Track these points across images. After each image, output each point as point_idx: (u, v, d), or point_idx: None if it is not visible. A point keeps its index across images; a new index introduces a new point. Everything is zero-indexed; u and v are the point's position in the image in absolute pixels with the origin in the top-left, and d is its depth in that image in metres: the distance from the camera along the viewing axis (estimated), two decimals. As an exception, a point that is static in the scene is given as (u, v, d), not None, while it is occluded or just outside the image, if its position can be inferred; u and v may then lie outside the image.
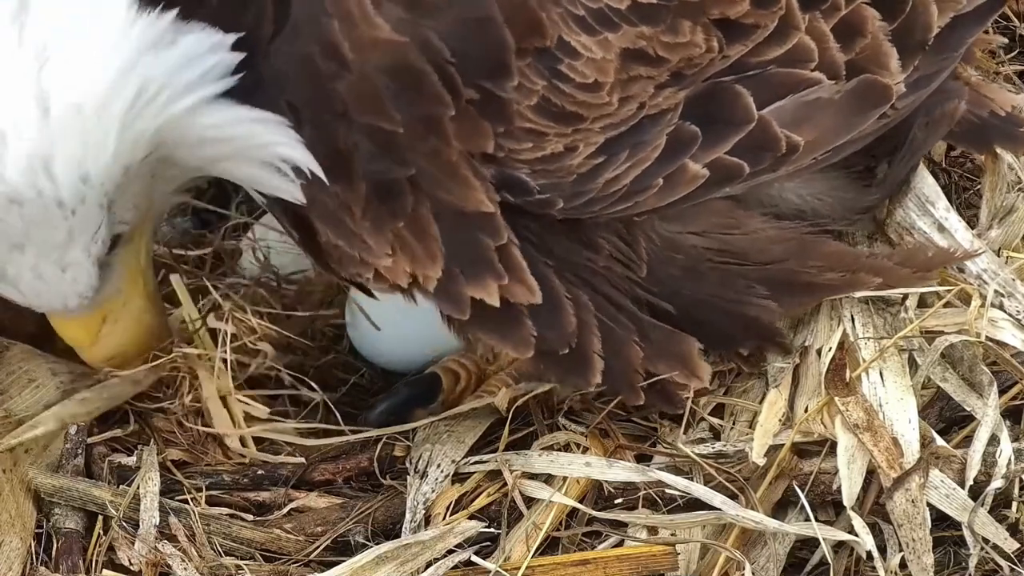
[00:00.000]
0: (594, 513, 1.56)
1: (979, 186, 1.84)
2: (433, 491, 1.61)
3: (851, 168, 1.72)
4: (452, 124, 1.45)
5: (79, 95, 1.43)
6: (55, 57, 1.43)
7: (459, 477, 1.63)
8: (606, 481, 1.58)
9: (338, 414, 1.79)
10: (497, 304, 1.53)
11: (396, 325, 1.85)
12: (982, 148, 1.81)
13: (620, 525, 1.57)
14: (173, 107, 1.46)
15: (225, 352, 1.78)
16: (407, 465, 1.65)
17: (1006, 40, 2.04)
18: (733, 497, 1.54)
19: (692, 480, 1.57)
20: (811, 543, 1.56)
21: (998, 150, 1.80)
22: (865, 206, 1.73)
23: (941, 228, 1.74)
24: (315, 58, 1.43)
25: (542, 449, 1.62)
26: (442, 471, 1.62)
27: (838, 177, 1.71)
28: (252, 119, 1.47)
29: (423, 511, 1.59)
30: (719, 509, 1.52)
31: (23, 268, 1.52)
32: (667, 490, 1.56)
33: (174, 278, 1.86)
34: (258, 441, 1.75)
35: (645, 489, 1.57)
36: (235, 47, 1.44)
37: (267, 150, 1.48)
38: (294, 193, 1.50)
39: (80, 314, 1.63)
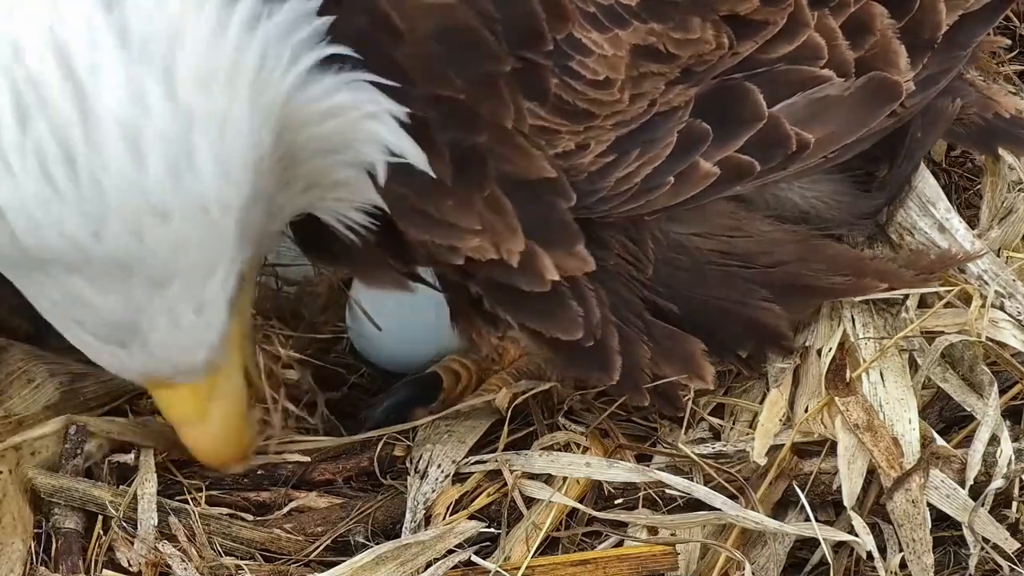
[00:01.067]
0: (594, 513, 1.56)
1: (979, 186, 1.84)
2: (433, 491, 1.61)
3: (853, 171, 1.72)
4: (506, 88, 1.42)
5: (206, 68, 1.22)
6: (168, 33, 1.21)
7: (459, 477, 1.62)
8: (606, 481, 1.58)
9: (336, 414, 1.80)
10: (557, 276, 1.50)
11: (396, 325, 1.85)
12: (986, 150, 1.81)
13: (620, 525, 1.57)
14: (290, 76, 1.29)
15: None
16: (407, 465, 1.65)
17: (1009, 41, 2.04)
18: (733, 497, 1.54)
19: (692, 480, 1.57)
20: (811, 543, 1.55)
21: (1000, 151, 1.80)
22: (868, 210, 1.73)
23: (942, 229, 1.74)
24: (367, 31, 1.37)
25: (542, 449, 1.62)
26: (442, 471, 1.62)
27: (842, 180, 1.71)
28: (350, 85, 1.36)
29: (423, 511, 1.59)
30: (719, 509, 1.52)
31: (158, 315, 1.27)
32: (667, 490, 1.56)
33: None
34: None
35: (645, 489, 1.57)
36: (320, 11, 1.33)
37: (373, 125, 1.38)
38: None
39: (193, 379, 1.38)
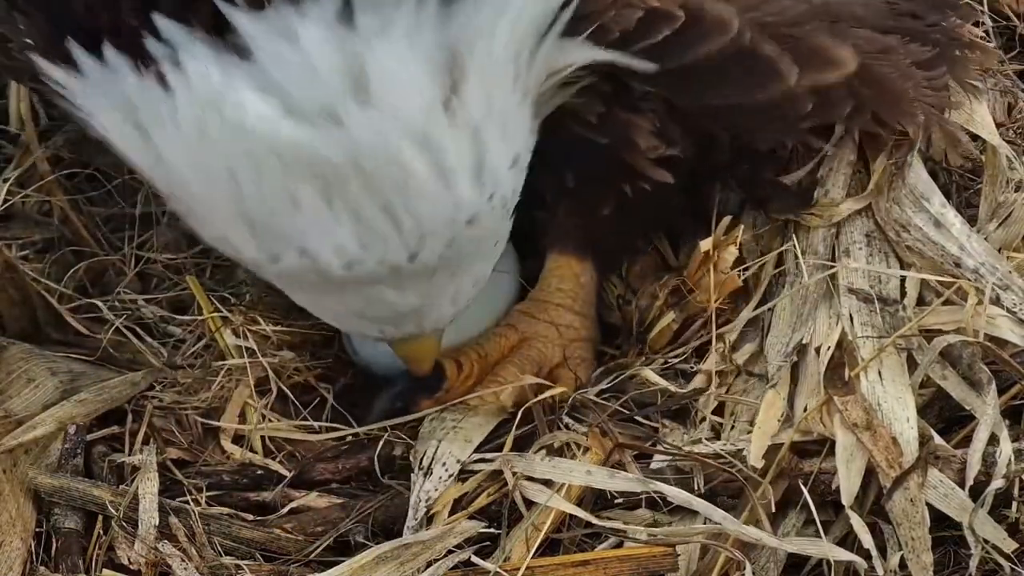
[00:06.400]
0: (594, 520, 1.56)
1: (979, 185, 1.83)
2: (436, 489, 1.60)
3: None
4: None
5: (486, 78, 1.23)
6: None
7: (461, 476, 1.62)
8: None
9: (335, 414, 1.79)
10: None
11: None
12: None
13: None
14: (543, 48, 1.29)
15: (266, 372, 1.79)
16: (411, 461, 1.64)
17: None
18: (733, 497, 1.54)
19: (692, 481, 1.57)
20: (811, 542, 1.56)
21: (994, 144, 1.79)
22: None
23: (938, 224, 1.74)
24: None
25: (542, 449, 1.62)
26: (447, 469, 1.62)
27: None
28: None
29: (425, 508, 1.59)
30: (718, 523, 1.52)
31: (445, 297, 1.39)
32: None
33: (191, 280, 1.87)
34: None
35: (645, 493, 1.57)
36: None
37: None
38: None
39: (437, 332, 1.51)
